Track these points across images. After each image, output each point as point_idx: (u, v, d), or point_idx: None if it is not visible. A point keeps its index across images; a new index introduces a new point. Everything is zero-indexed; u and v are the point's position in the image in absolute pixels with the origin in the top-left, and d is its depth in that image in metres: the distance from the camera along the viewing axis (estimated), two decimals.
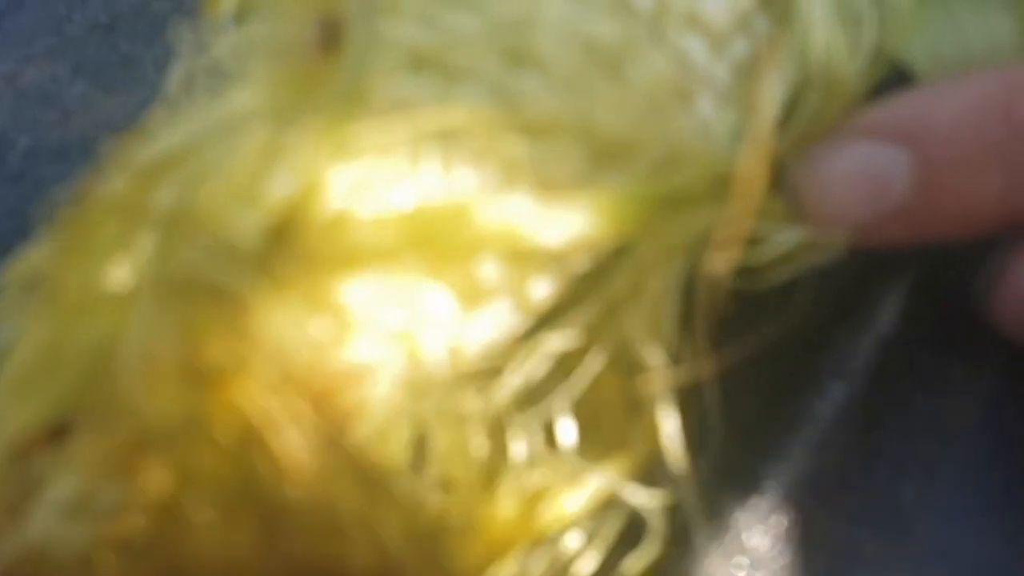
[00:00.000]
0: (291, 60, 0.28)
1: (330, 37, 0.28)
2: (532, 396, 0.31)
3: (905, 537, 0.34)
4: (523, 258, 0.28)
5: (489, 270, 0.28)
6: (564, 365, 0.31)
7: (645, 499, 0.31)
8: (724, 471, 0.33)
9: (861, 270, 0.36)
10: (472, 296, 0.27)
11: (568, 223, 0.28)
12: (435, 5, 0.30)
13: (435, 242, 0.26)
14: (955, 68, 0.36)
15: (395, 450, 0.27)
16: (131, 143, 0.28)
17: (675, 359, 0.32)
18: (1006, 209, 0.34)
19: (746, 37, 0.35)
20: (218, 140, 0.27)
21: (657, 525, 0.31)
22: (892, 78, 0.37)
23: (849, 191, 0.34)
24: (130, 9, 0.50)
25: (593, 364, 0.31)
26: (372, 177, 0.27)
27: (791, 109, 0.35)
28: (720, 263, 0.29)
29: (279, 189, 0.26)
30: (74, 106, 0.46)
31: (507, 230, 0.27)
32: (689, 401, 0.33)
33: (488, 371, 0.30)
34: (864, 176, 0.34)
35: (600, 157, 0.30)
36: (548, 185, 0.29)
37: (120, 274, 0.26)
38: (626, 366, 0.32)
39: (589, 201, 0.28)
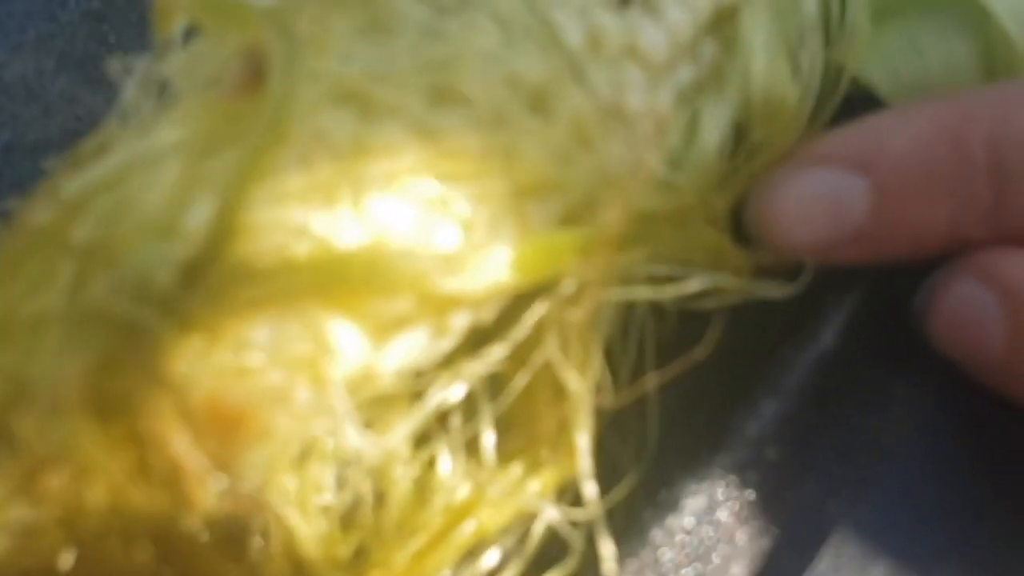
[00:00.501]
0: (216, 93, 0.29)
1: (254, 71, 0.29)
2: (454, 418, 0.32)
3: (825, 553, 0.35)
4: (439, 298, 0.28)
5: (402, 306, 0.28)
6: (488, 388, 0.32)
7: (564, 517, 0.32)
8: (648, 488, 0.34)
9: (806, 287, 0.37)
10: (384, 329, 0.28)
11: (486, 271, 0.28)
12: (359, 41, 0.30)
13: (346, 284, 0.27)
14: (916, 90, 0.37)
15: (297, 479, 0.28)
16: (61, 173, 0.29)
17: (603, 380, 0.33)
18: (955, 234, 0.35)
19: (691, 63, 0.35)
20: (141, 173, 0.28)
21: (575, 543, 0.32)
22: (860, 97, 0.37)
23: (808, 217, 0.35)
24: None
25: (517, 387, 0.32)
26: (289, 214, 0.27)
27: (737, 135, 0.36)
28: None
29: (194, 224, 0.27)
30: (56, 101, 0.47)
31: (421, 277, 0.27)
32: (621, 420, 0.34)
33: (409, 395, 0.31)
34: (823, 202, 0.35)
35: (524, 194, 0.31)
36: (470, 224, 0.29)
37: (37, 304, 0.27)
38: (550, 388, 0.32)
39: (509, 247, 0.29)
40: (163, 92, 0.34)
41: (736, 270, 0.34)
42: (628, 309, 0.34)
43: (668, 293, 0.32)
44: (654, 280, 0.33)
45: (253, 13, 0.29)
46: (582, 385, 0.31)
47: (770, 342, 0.37)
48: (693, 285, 0.32)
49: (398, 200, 0.28)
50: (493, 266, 0.28)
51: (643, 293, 0.33)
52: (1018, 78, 0.36)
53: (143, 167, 0.28)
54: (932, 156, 0.34)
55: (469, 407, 0.32)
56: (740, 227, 0.37)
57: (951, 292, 0.35)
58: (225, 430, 0.26)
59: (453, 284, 0.27)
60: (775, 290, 0.34)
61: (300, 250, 0.27)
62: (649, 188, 0.33)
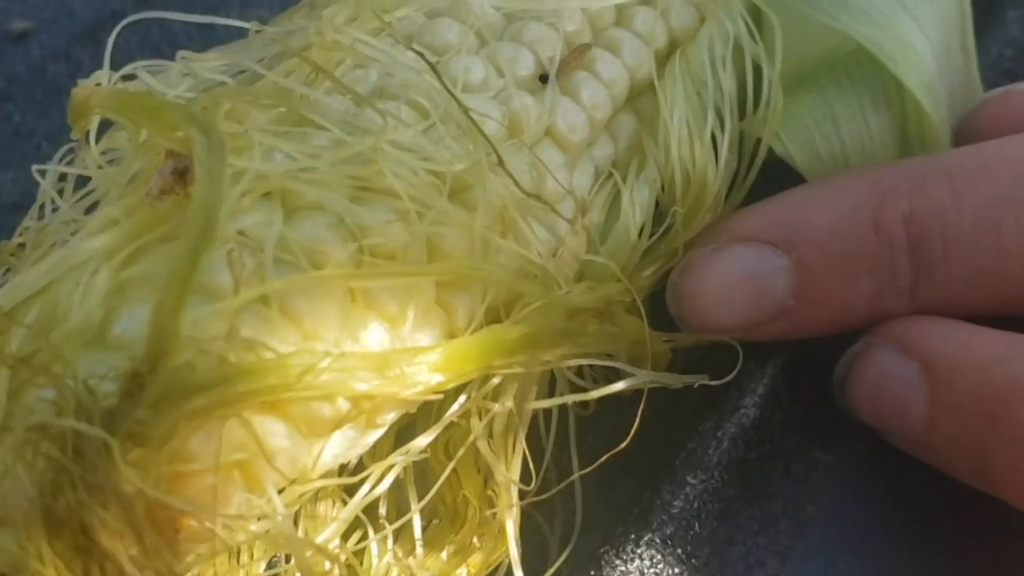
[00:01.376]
0: (140, 194, 0.29)
1: (177, 172, 0.29)
2: (383, 506, 0.32)
3: None
4: (369, 401, 0.28)
5: (333, 409, 0.28)
6: (416, 476, 0.32)
7: None
8: (576, 568, 0.34)
9: (729, 360, 0.37)
10: (315, 429, 0.28)
11: (414, 375, 0.28)
12: (280, 136, 0.30)
13: (278, 391, 0.27)
14: (832, 162, 0.38)
15: None
16: None
17: (529, 463, 0.33)
18: (877, 309, 0.36)
19: (610, 139, 0.36)
20: (71, 280, 0.28)
21: None
22: (778, 166, 0.38)
23: (730, 297, 0.36)
24: (27, 71, 0.50)
25: (444, 474, 0.32)
26: (219, 320, 0.27)
27: (657, 211, 0.36)
28: None
29: (129, 332, 0.27)
30: None
31: (350, 383, 0.27)
32: (547, 500, 0.34)
33: (340, 488, 0.31)
34: (744, 282, 0.36)
35: (448, 287, 0.31)
36: (396, 320, 0.29)
37: None
38: (477, 475, 0.33)
39: (436, 351, 0.29)
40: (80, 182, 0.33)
41: (657, 356, 0.34)
42: (552, 391, 0.34)
43: (591, 390, 0.32)
44: (578, 371, 0.33)
45: (175, 112, 0.29)
46: (507, 471, 0.32)
47: (691, 413, 0.37)
48: (616, 386, 0.32)
49: (324, 302, 0.28)
50: (421, 370, 0.28)
51: (566, 387, 0.33)
52: (932, 153, 0.37)
53: (73, 274, 0.27)
54: (852, 235, 0.35)
55: (398, 494, 0.32)
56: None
57: (872, 362, 0.36)
58: (166, 536, 0.26)
59: (381, 389, 0.27)
60: (695, 379, 0.34)
61: (233, 357, 0.27)
62: (571, 275, 0.34)
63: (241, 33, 0.49)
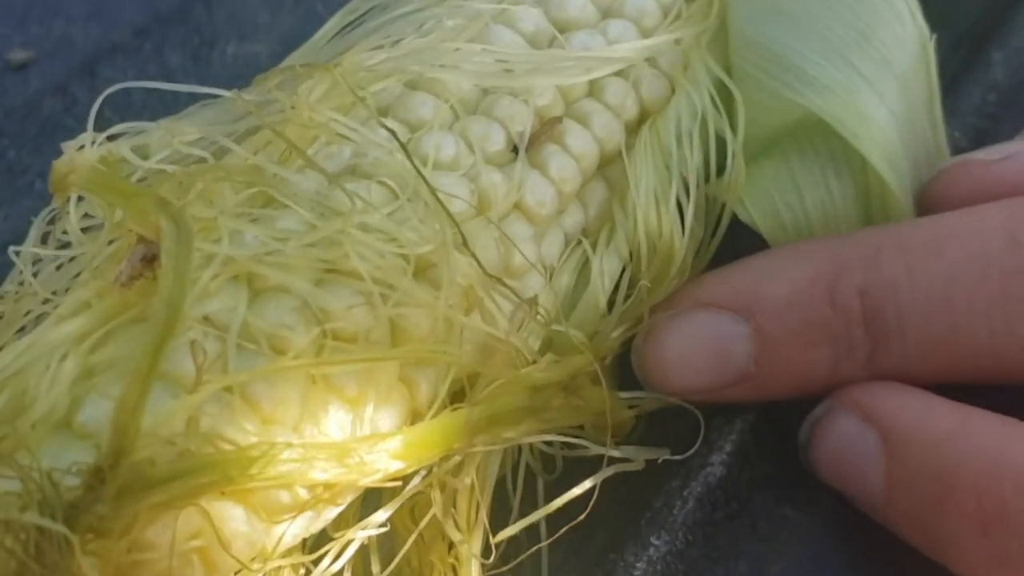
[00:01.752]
0: (110, 278, 0.30)
1: (146, 257, 0.30)
2: (351, 571, 0.33)
3: None
4: (329, 488, 0.29)
5: (294, 496, 0.29)
6: (378, 546, 0.33)
7: None
8: None
9: (696, 418, 0.38)
10: (276, 514, 0.29)
11: (375, 461, 0.29)
12: (249, 219, 0.31)
13: (240, 482, 0.28)
14: (796, 229, 0.38)
15: None
16: None
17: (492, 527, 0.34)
18: (836, 377, 0.37)
19: (580, 208, 0.37)
20: (40, 366, 0.29)
21: None
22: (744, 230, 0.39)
23: (693, 362, 0.37)
24: (23, 105, 0.51)
25: (406, 545, 0.33)
26: (183, 411, 0.28)
27: (624, 276, 0.37)
28: None
29: (94, 422, 0.28)
30: None
31: (310, 472, 0.28)
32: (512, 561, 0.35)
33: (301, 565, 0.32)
34: (706, 347, 0.37)
35: (412, 367, 0.32)
36: (358, 402, 0.30)
37: None
38: (439, 544, 0.33)
39: (397, 437, 0.30)
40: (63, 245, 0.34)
41: (620, 425, 0.35)
42: (517, 457, 0.35)
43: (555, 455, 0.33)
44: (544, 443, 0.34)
45: (144, 196, 0.30)
46: (469, 543, 0.33)
47: (660, 469, 0.38)
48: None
49: (285, 388, 0.29)
50: (381, 457, 0.29)
51: (531, 452, 0.34)
52: (890, 224, 0.38)
53: (43, 360, 0.28)
54: (809, 306, 0.36)
55: (364, 556, 0.33)
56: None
57: (833, 428, 0.37)
58: None
59: (341, 477, 0.28)
60: (656, 454, 0.35)
61: (195, 448, 0.28)
62: (537, 345, 0.35)
63: (236, 66, 0.51)
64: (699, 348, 0.36)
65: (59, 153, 0.45)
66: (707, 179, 0.38)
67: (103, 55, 0.53)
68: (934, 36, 0.38)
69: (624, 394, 0.36)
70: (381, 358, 0.30)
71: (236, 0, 0.56)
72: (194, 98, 0.48)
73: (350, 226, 0.31)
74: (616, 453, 0.34)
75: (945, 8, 0.52)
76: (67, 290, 0.32)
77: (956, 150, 0.46)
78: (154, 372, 0.27)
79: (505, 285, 0.32)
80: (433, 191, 0.32)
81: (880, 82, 0.36)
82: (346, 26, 0.40)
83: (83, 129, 0.35)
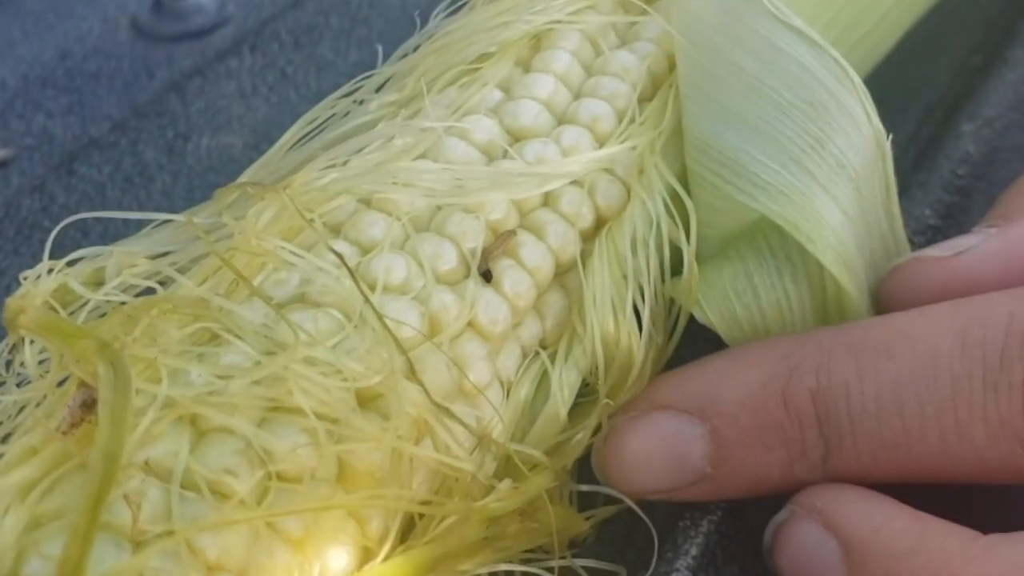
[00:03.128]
0: (54, 428, 0.30)
1: (88, 404, 0.30)
2: None
3: None
4: None
5: None
6: None
7: None
8: None
9: (667, 512, 0.38)
10: None
11: None
12: (193, 357, 0.31)
13: None
14: (752, 330, 0.39)
15: None
16: None
17: None
18: (792, 478, 0.37)
19: (537, 319, 0.37)
20: None
21: None
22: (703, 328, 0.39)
23: (651, 463, 0.37)
24: (2, 204, 0.52)
25: None
26: (124, 564, 0.28)
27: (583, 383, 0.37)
28: None
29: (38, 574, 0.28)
30: None
31: None
32: None
33: None
34: (664, 448, 0.37)
35: (361, 503, 0.32)
36: (302, 545, 0.30)
37: None
38: None
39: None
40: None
41: (577, 537, 0.36)
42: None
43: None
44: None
45: (87, 341, 0.30)
46: None
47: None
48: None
49: (231, 536, 0.29)
50: None
51: None
52: (842, 324, 0.38)
53: None
54: (762, 409, 0.36)
55: None
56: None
57: (795, 536, 0.37)
58: None
59: None
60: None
61: None
62: (493, 465, 0.35)
63: (210, 159, 0.51)
64: (657, 449, 0.37)
65: (36, 254, 0.46)
66: (663, 281, 0.37)
67: (80, 151, 0.54)
68: (890, 136, 0.37)
69: (584, 487, 0.37)
70: (327, 507, 0.30)
71: (210, 92, 0.56)
72: (166, 194, 0.48)
73: (294, 361, 0.31)
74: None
75: (916, 76, 0.53)
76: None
77: (925, 228, 0.47)
78: (94, 528, 0.27)
79: (452, 415, 0.32)
80: (381, 319, 0.32)
81: (834, 186, 0.36)
82: (304, 136, 0.40)
83: (59, 229, 0.36)
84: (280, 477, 0.30)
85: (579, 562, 0.35)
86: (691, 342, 0.39)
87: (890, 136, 0.38)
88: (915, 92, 0.56)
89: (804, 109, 0.37)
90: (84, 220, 0.48)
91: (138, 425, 0.30)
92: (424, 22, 0.45)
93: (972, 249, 0.39)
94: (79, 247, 0.36)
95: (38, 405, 0.32)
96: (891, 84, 0.53)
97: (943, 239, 0.41)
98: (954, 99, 0.54)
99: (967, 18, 0.60)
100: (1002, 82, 0.54)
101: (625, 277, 0.37)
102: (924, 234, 0.48)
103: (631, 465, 0.37)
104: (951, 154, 0.50)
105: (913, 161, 0.51)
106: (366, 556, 0.32)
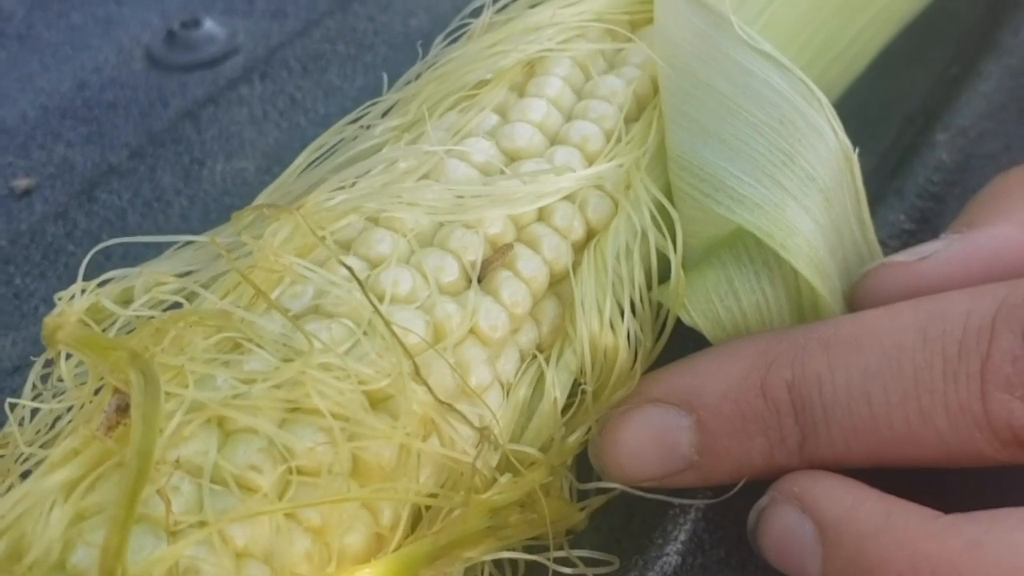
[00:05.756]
0: (93, 430, 0.33)
1: (123, 409, 0.33)
2: None
3: None
4: None
5: None
6: None
7: None
8: None
9: (656, 504, 0.41)
10: None
11: None
12: (218, 363, 0.34)
13: None
14: (735, 330, 0.42)
15: None
16: None
17: None
18: (773, 464, 0.40)
19: (533, 326, 0.40)
20: (36, 512, 0.32)
21: None
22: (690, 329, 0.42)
23: (642, 453, 0.41)
24: (28, 231, 0.55)
25: None
26: (160, 554, 0.31)
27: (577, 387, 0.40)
28: None
29: (83, 562, 0.31)
30: None
31: None
32: None
33: None
34: (654, 438, 0.41)
35: (374, 495, 0.35)
36: (321, 533, 0.33)
37: None
38: None
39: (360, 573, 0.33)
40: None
41: (574, 527, 0.38)
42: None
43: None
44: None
45: (118, 350, 0.33)
46: None
47: (623, 562, 0.41)
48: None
49: (257, 525, 0.32)
50: None
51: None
52: (816, 322, 0.41)
53: (37, 507, 0.32)
54: (743, 400, 0.39)
55: None
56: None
57: (775, 519, 0.40)
58: None
59: None
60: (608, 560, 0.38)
61: None
62: (495, 460, 0.38)
63: (225, 183, 0.54)
64: (648, 440, 0.40)
65: (61, 277, 0.49)
66: (649, 288, 0.40)
67: (100, 178, 0.56)
68: (857, 149, 0.40)
69: (581, 485, 0.40)
70: (343, 499, 0.33)
71: (223, 118, 0.59)
72: (184, 217, 0.51)
73: (311, 367, 0.34)
74: (568, 571, 0.37)
75: (896, 88, 0.55)
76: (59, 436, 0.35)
77: (900, 232, 0.49)
78: (131, 519, 0.30)
79: (456, 411, 0.35)
80: (390, 327, 0.35)
81: (805, 197, 0.39)
82: (314, 160, 0.43)
83: (83, 253, 0.39)
84: (300, 472, 0.33)
85: (576, 553, 0.38)
86: (680, 342, 0.42)
87: (857, 149, 0.41)
88: (895, 103, 0.58)
89: (775, 127, 0.40)
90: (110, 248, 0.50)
91: (169, 427, 0.32)
92: (426, 50, 0.47)
93: (936, 254, 0.42)
94: (104, 270, 0.39)
95: (80, 409, 0.35)
96: (872, 96, 0.56)
97: (918, 243, 0.44)
98: (932, 109, 0.56)
99: (946, 31, 0.63)
100: (975, 93, 0.57)
101: (612, 284, 0.40)
102: (900, 238, 0.51)
103: (625, 455, 0.40)
104: (926, 162, 0.53)
105: (892, 169, 0.54)
106: (379, 544, 0.35)
